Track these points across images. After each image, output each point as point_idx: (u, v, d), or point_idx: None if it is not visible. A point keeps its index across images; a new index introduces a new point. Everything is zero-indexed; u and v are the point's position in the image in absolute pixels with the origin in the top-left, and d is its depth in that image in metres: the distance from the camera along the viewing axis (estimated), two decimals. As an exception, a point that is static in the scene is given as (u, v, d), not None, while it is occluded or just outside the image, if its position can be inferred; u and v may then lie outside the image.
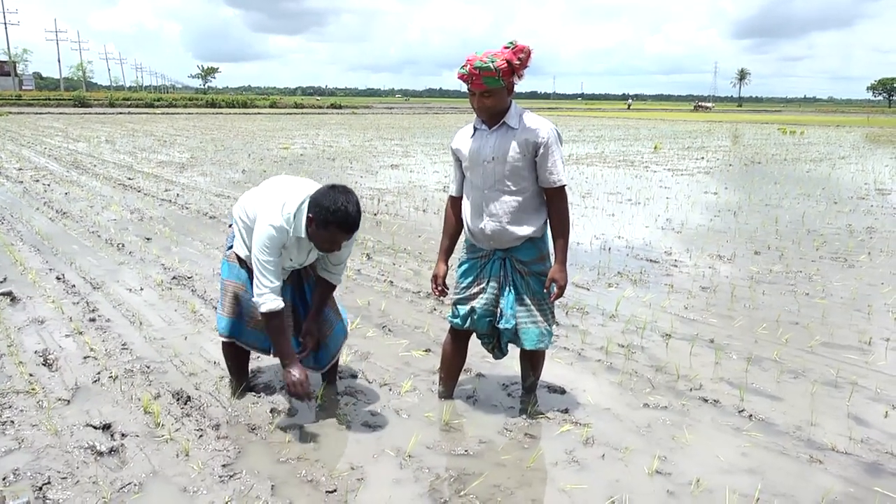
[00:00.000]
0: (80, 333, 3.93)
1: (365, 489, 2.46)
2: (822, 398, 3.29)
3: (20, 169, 11.87)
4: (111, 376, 3.34)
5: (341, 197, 2.61)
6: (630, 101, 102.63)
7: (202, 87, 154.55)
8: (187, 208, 8.32)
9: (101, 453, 2.62)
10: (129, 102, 49.00)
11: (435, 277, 3.03)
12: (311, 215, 2.65)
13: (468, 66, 2.60)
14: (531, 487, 2.50)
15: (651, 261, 6.00)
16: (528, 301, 2.84)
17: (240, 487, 2.44)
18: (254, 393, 3.19)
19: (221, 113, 43.33)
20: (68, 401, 3.08)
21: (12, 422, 2.86)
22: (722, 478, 2.58)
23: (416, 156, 15.90)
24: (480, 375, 3.47)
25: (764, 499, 2.44)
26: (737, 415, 3.10)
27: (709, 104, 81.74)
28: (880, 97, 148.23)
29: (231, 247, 3.02)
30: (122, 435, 2.78)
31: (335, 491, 2.43)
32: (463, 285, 2.93)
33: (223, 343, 3.09)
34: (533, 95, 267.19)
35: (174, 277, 5.14)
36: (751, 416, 3.08)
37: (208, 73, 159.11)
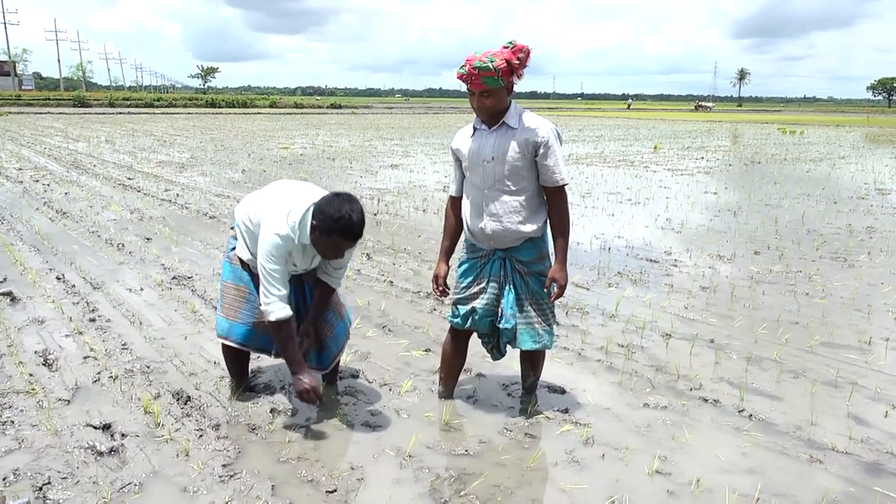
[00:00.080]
0: (80, 333, 3.93)
1: (365, 489, 2.46)
2: (822, 398, 3.29)
3: (20, 169, 11.87)
4: (111, 376, 3.34)
5: (345, 205, 2.62)
6: (630, 100, 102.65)
7: (202, 86, 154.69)
8: (187, 208, 8.32)
9: (101, 453, 2.62)
10: (128, 102, 48.99)
11: (436, 278, 3.03)
12: (314, 223, 2.66)
13: (467, 65, 2.61)
14: (531, 487, 2.50)
15: (651, 261, 6.00)
16: (525, 303, 2.84)
17: (240, 487, 2.44)
18: (254, 393, 3.19)
19: (221, 113, 43.33)
20: (68, 401, 3.08)
21: (12, 422, 2.86)
22: (722, 478, 2.58)
23: (415, 156, 15.90)
24: (480, 375, 3.47)
25: (764, 499, 2.44)
26: (737, 415, 3.10)
27: (709, 104, 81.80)
28: (880, 97, 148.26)
29: (233, 248, 3.02)
30: (123, 435, 2.78)
31: (335, 491, 2.43)
32: (463, 285, 2.93)
33: (223, 344, 3.09)
34: (533, 95, 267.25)
35: (174, 277, 5.14)
36: (751, 415, 3.08)
37: (208, 72, 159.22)
